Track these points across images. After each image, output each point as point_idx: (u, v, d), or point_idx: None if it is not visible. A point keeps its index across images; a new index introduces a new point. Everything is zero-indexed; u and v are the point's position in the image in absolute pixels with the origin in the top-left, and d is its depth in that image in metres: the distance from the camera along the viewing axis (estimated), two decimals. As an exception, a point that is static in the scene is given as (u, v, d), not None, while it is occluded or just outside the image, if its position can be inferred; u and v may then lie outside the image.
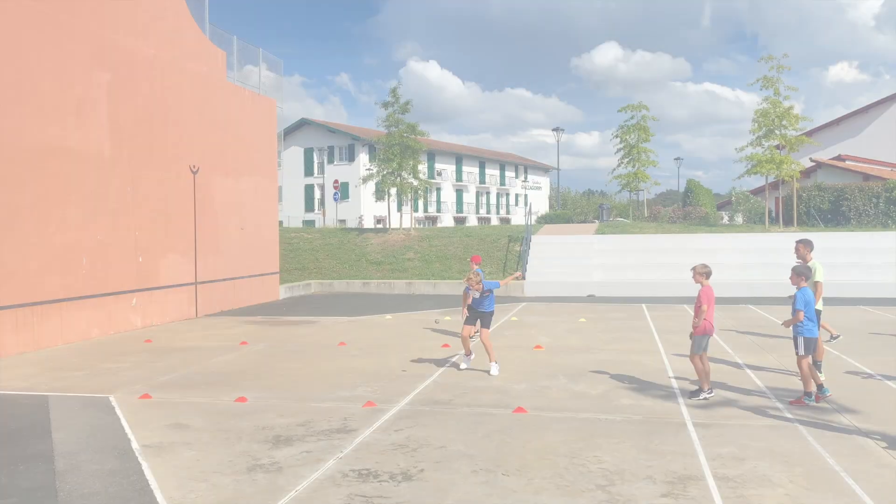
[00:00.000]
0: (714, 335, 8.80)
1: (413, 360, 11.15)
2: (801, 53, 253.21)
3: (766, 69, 27.68)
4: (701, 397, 8.38)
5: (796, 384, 8.76)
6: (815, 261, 9.62)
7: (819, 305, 9.43)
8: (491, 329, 10.46)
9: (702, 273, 8.55)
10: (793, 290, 8.29)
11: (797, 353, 8.13)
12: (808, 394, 8.14)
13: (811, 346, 8.15)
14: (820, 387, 8.23)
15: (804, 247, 9.63)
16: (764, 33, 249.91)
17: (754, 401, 8.38)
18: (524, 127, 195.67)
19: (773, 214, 31.27)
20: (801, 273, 8.29)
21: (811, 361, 8.23)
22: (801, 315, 8.07)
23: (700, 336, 8.37)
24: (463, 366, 10.40)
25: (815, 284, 9.34)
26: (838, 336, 12.22)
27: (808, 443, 6.71)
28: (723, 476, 5.84)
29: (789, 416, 7.66)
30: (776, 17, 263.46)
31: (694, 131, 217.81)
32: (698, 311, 8.36)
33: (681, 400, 8.42)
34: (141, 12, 15.62)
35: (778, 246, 23.34)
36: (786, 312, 8.57)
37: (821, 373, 9.48)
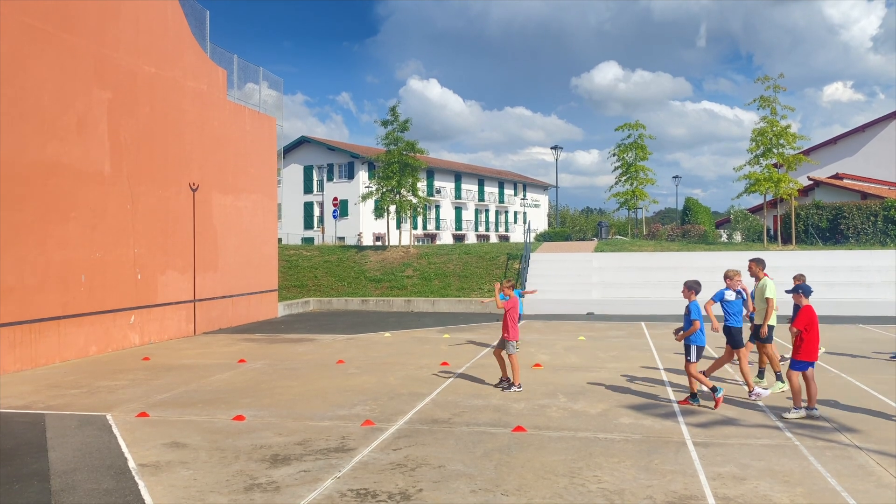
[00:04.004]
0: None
1: (411, 379, 11.11)
2: (796, 73, 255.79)
3: (762, 89, 27.92)
4: (512, 390, 10.07)
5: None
6: (767, 278, 10.01)
7: (773, 321, 9.90)
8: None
9: (508, 287, 10.51)
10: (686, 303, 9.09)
11: (688, 361, 8.96)
12: (693, 395, 9.06)
13: (701, 353, 8.99)
14: (714, 388, 8.92)
15: (756, 265, 10.12)
16: (759, 53, 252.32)
17: (754, 419, 8.36)
18: (524, 145, 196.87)
19: (772, 233, 31.32)
20: (692, 287, 9.01)
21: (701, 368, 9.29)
22: (698, 325, 8.80)
23: (512, 340, 10.23)
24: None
25: (767, 301, 9.78)
26: None
27: (808, 462, 6.68)
28: (723, 496, 5.80)
29: (789, 435, 7.63)
30: (769, 38, 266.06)
31: (693, 150, 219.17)
32: (506, 320, 10.21)
33: (681, 419, 8.39)
34: (142, 31, 15.75)
35: (776, 264, 23.32)
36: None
37: (761, 378, 10.35)
